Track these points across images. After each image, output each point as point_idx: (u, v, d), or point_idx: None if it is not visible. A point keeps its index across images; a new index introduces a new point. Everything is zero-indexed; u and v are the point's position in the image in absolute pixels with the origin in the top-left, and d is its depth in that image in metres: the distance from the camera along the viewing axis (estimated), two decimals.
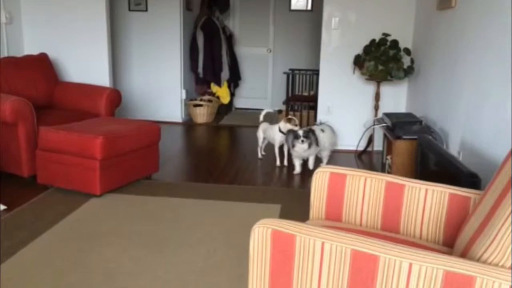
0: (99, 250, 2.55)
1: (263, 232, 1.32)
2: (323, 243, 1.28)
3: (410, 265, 1.19)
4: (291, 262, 1.31)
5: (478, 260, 1.26)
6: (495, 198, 1.39)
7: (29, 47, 4.77)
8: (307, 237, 1.29)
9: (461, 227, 1.58)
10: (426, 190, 1.80)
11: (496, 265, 1.21)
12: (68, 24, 4.78)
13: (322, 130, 4.19)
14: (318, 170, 1.96)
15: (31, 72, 4.22)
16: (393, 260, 1.21)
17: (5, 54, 4.43)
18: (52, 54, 4.64)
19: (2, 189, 2.97)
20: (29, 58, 4.34)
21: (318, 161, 4.29)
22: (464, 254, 1.39)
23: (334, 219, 1.96)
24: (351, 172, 1.93)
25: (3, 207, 3.05)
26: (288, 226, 1.32)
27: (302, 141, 3.85)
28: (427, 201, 1.80)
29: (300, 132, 3.88)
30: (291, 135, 3.94)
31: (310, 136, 3.90)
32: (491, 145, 2.62)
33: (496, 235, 1.23)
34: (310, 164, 4.12)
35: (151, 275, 2.30)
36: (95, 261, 2.43)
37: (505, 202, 1.29)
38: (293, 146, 3.93)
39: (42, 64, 4.39)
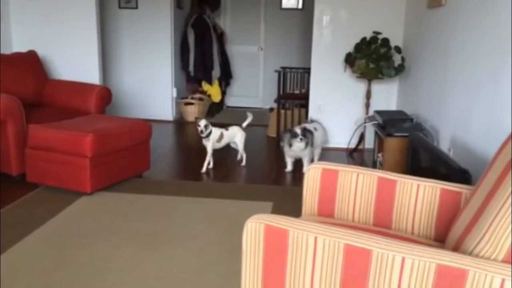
0: (90, 248, 2.53)
1: (256, 227, 1.32)
2: (316, 238, 1.27)
3: (403, 259, 1.20)
4: (284, 256, 1.31)
5: (470, 254, 1.26)
6: (487, 192, 1.40)
7: (18, 45, 4.71)
8: (300, 232, 1.29)
9: (452, 222, 1.59)
10: (418, 185, 1.81)
11: (488, 258, 1.21)
12: (57, 21, 4.73)
13: (315, 129, 4.20)
14: (311, 166, 1.96)
15: (20, 69, 4.17)
16: (386, 254, 1.21)
17: None
18: (41, 51, 4.58)
19: None
20: (17, 56, 4.29)
21: None
22: (456, 249, 1.40)
23: (326, 215, 1.96)
24: (343, 168, 1.93)
25: None
26: (281, 221, 1.31)
27: (301, 139, 3.85)
28: (418, 196, 1.80)
29: (298, 131, 3.88)
30: (289, 133, 3.94)
31: (308, 135, 3.90)
32: (482, 141, 2.64)
33: (488, 228, 1.24)
34: (305, 167, 4.05)
35: (142, 273, 2.28)
36: (85, 258, 2.41)
37: (496, 196, 1.30)
38: (291, 145, 3.91)
39: (31, 62, 4.34)
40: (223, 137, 4.07)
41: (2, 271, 2.26)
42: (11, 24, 4.72)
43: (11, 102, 3.42)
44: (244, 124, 4.19)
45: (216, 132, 4.04)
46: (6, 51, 4.50)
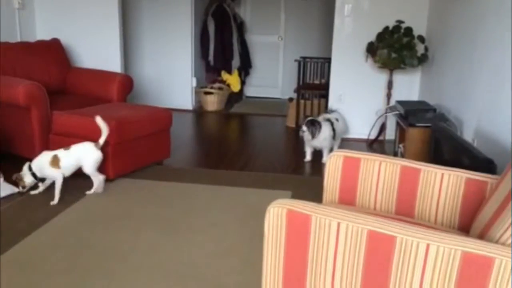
0: (113, 232, 2.57)
1: (278, 212, 1.32)
2: (339, 224, 1.27)
3: (428, 246, 1.18)
4: (306, 242, 1.31)
5: (496, 243, 1.24)
6: None
7: (42, 33, 4.79)
8: (322, 217, 1.28)
9: (478, 211, 1.57)
10: (442, 174, 1.78)
11: None
12: (81, 10, 4.79)
13: (336, 119, 4.19)
14: (332, 153, 1.95)
15: (44, 57, 4.23)
16: (410, 240, 1.20)
17: (17, 39, 4.44)
18: (64, 39, 4.64)
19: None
20: (41, 44, 4.36)
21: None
22: (481, 237, 1.38)
23: (348, 203, 1.95)
24: (366, 156, 1.91)
25: (17, 189, 3.08)
26: (304, 206, 1.31)
27: (302, 131, 3.89)
28: (443, 185, 1.78)
29: (305, 122, 3.93)
30: (305, 121, 3.98)
31: (310, 127, 3.90)
32: (507, 132, 2.58)
33: None
34: (324, 157, 4.05)
35: (164, 256, 2.31)
36: (108, 242, 2.45)
37: None
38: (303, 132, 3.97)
39: (55, 50, 4.40)
40: (60, 160, 2.84)
41: (27, 255, 2.32)
42: (35, 12, 4.78)
43: (36, 89, 3.48)
44: (101, 140, 2.98)
45: (43, 158, 2.83)
46: (30, 39, 4.58)
